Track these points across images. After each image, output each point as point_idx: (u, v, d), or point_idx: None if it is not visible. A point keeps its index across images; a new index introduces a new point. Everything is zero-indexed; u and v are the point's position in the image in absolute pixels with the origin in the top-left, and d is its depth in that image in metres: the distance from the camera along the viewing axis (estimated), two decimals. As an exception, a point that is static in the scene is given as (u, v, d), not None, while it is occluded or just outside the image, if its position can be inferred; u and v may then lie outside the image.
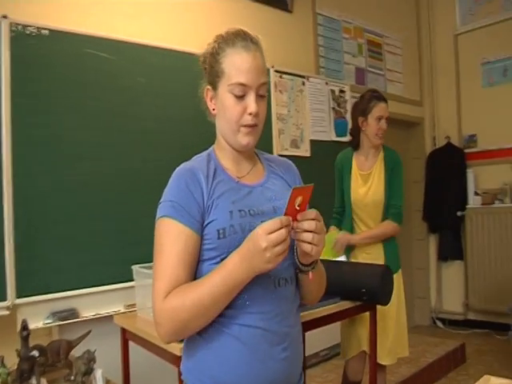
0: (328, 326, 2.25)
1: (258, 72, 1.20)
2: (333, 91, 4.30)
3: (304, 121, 4.04)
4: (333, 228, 2.90)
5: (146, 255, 2.73)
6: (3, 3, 2.50)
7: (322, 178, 2.79)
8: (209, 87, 1.26)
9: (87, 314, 2.65)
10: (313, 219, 1.10)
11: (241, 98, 1.20)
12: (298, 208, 1.08)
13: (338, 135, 4.32)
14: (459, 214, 5.21)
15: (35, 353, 1.61)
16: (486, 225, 5.04)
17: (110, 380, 1.81)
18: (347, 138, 4.39)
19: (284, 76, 3.87)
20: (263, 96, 1.23)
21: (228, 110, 1.21)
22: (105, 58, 2.78)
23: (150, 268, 2.21)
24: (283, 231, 1.05)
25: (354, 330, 2.72)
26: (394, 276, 2.52)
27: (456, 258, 5.33)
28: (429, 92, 5.61)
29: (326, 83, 4.25)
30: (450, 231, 5.32)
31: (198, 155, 1.32)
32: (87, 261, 2.63)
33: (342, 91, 4.38)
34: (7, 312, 2.36)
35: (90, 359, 1.59)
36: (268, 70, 3.71)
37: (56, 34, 2.60)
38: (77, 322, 2.58)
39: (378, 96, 2.78)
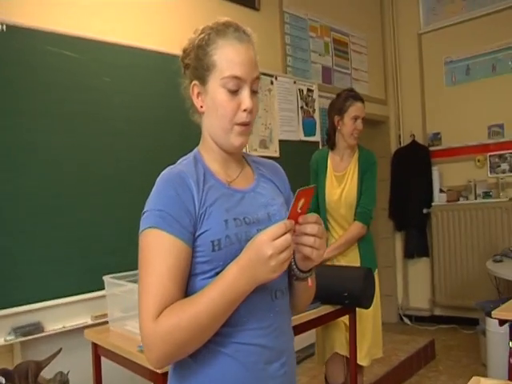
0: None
1: (251, 65, 1.11)
2: (301, 90, 4.25)
3: (273, 120, 3.98)
4: None
5: (114, 264, 2.66)
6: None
7: (292, 178, 2.71)
8: (196, 82, 1.14)
9: (53, 327, 2.50)
10: (314, 223, 1.03)
11: (234, 93, 1.09)
12: (299, 211, 1.02)
13: (306, 135, 4.28)
14: (425, 211, 5.27)
15: (0, 379, 1.47)
16: (452, 221, 5.11)
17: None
18: (315, 138, 4.39)
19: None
20: (256, 92, 1.14)
21: (221, 107, 1.10)
22: (68, 57, 2.63)
23: (122, 278, 2.13)
24: (288, 236, 0.97)
25: (328, 333, 2.68)
26: (371, 277, 2.49)
27: (422, 255, 5.39)
28: (393, 91, 5.64)
29: (294, 82, 4.20)
30: (416, 228, 5.37)
31: (184, 158, 1.19)
32: (51, 271, 2.48)
33: (309, 90, 4.34)
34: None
35: (63, 382, 1.46)
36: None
37: (13, 30, 2.42)
38: (41, 336, 2.43)
39: (354, 95, 2.74)
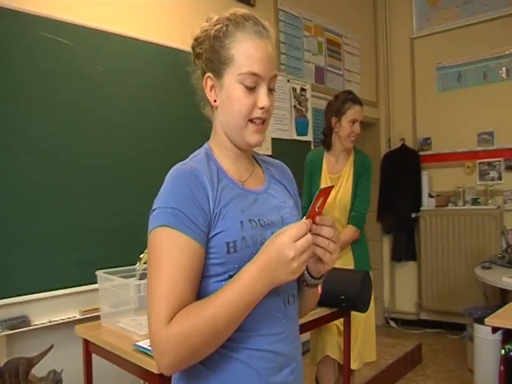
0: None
1: (270, 62, 1.06)
2: (294, 89, 4.23)
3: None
4: None
5: (103, 257, 2.61)
6: None
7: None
8: (210, 75, 1.09)
9: (40, 321, 2.44)
10: (330, 226, 1.00)
11: (251, 89, 1.05)
12: (317, 210, 0.99)
13: (298, 134, 4.26)
14: (413, 215, 5.28)
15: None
16: (440, 226, 5.12)
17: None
18: (307, 138, 4.38)
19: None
20: (272, 90, 1.10)
21: (236, 103, 1.05)
22: (63, 44, 2.57)
23: (115, 274, 2.08)
24: (310, 237, 0.94)
25: (321, 336, 2.66)
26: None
27: (410, 258, 5.40)
28: (385, 93, 5.65)
29: (288, 81, 4.18)
30: (404, 232, 5.38)
31: (195, 154, 1.14)
32: (39, 263, 2.42)
33: (303, 89, 4.32)
34: None
35: (56, 381, 1.40)
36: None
37: (5, 13, 2.35)
38: (28, 330, 2.37)
39: (353, 98, 2.71)
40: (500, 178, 4.88)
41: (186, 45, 3.53)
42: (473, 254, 4.87)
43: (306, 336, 3.04)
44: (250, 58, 1.04)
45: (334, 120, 2.71)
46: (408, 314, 5.44)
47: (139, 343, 1.68)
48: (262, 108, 1.06)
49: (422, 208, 5.26)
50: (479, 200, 4.93)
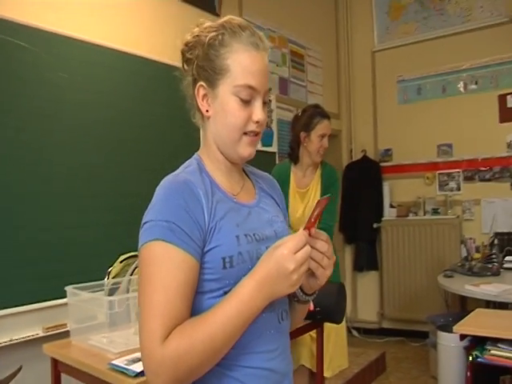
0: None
1: (265, 76, 1.05)
2: (259, 100, 4.22)
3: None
4: None
5: (66, 272, 2.51)
6: None
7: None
8: (202, 83, 1.06)
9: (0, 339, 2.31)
10: (325, 241, 0.99)
11: (247, 102, 1.03)
12: (312, 220, 0.97)
13: (263, 145, 4.25)
14: (375, 225, 5.36)
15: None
16: (401, 236, 5.21)
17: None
18: (272, 149, 4.38)
19: (213, 82, 3.72)
20: (266, 103, 1.08)
21: (231, 115, 1.03)
22: (23, 47, 2.46)
23: (85, 289, 2.00)
24: (308, 248, 0.93)
25: (294, 346, 2.64)
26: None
27: (371, 268, 5.47)
28: (346, 105, 5.73)
29: (254, 92, 4.17)
30: (366, 242, 5.45)
31: (186, 164, 1.10)
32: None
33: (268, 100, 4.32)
34: None
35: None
36: (197, 76, 3.56)
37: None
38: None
39: (321, 113, 2.72)
40: (459, 189, 5.02)
41: (152, 53, 3.49)
42: (433, 263, 4.97)
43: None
44: (247, 70, 1.02)
45: (302, 135, 2.70)
46: (370, 323, 5.50)
47: (115, 362, 1.62)
48: (257, 122, 1.04)
49: (383, 218, 5.34)
50: (439, 210, 5.06)
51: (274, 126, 4.38)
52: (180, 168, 1.09)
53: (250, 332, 0.97)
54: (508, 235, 4.61)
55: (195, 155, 1.13)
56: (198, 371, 0.91)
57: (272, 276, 0.91)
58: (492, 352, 2.44)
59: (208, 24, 1.08)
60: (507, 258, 4.20)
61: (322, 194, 2.72)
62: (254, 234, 1.03)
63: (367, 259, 5.46)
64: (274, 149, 4.35)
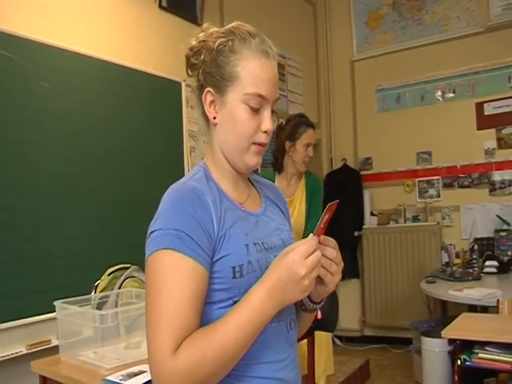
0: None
1: (275, 84, 1.04)
2: (242, 110, 4.22)
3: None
4: None
5: (50, 286, 2.45)
6: None
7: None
8: (210, 90, 1.04)
9: (-18, 358, 2.25)
10: (333, 248, 0.98)
11: (256, 111, 1.01)
12: (322, 226, 0.97)
13: (245, 154, 4.24)
14: (356, 233, 5.38)
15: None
16: (382, 244, 5.25)
17: None
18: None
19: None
20: (274, 111, 1.07)
21: (241, 124, 1.01)
22: (5, 57, 2.42)
23: (74, 303, 1.95)
24: (319, 253, 0.93)
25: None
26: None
27: (353, 276, 5.48)
28: (326, 114, 5.77)
29: (236, 101, 4.16)
30: (347, 250, 5.45)
31: (193, 172, 1.07)
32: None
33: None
34: None
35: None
36: (180, 84, 3.55)
37: None
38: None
39: (306, 122, 2.73)
40: (438, 196, 5.08)
41: (135, 62, 3.45)
42: (414, 270, 5.02)
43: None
44: (257, 78, 1.01)
45: (287, 144, 2.70)
46: (352, 331, 5.50)
47: (109, 378, 1.57)
48: (266, 132, 1.03)
49: (364, 226, 5.37)
50: (419, 217, 5.11)
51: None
52: (186, 176, 1.07)
53: (260, 342, 0.95)
54: (487, 240, 4.69)
55: (201, 163, 1.11)
56: (209, 382, 0.89)
57: (283, 282, 0.91)
58: (480, 355, 2.46)
59: (215, 29, 1.07)
60: (487, 263, 4.26)
61: (307, 204, 2.72)
62: (262, 243, 1.03)
63: (348, 267, 5.46)
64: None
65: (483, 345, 2.48)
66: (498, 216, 4.65)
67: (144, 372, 1.59)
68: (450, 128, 4.97)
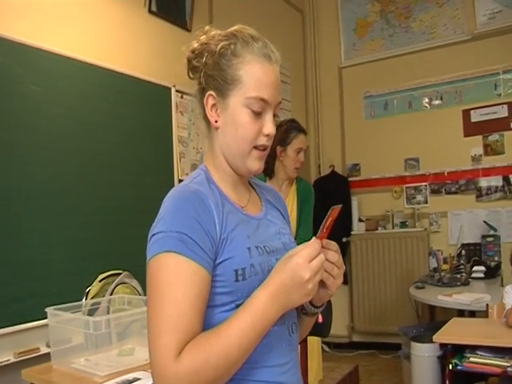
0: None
1: (277, 88, 1.04)
2: (231, 116, 4.21)
3: (204, 145, 3.89)
4: None
5: (39, 292, 2.41)
6: None
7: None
8: (212, 93, 1.04)
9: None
10: (335, 251, 0.99)
11: (258, 114, 1.02)
12: (324, 231, 0.97)
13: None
14: (344, 239, 5.39)
15: None
16: (370, 250, 5.26)
17: None
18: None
19: (185, 96, 3.70)
20: (276, 115, 1.07)
21: (242, 128, 1.02)
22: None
23: (68, 310, 1.92)
24: (323, 256, 0.93)
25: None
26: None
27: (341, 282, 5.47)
28: (314, 121, 5.79)
29: (226, 107, 4.16)
30: (336, 256, 5.46)
31: (194, 175, 1.07)
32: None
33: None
34: None
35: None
36: (169, 89, 3.54)
37: None
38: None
39: (297, 127, 2.72)
40: (426, 202, 5.12)
41: (123, 67, 3.42)
42: (402, 275, 5.04)
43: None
44: (260, 82, 1.01)
45: (279, 149, 2.69)
46: (340, 337, 5.49)
47: (104, 385, 1.55)
48: (267, 135, 1.04)
49: (352, 232, 5.38)
50: (407, 223, 5.14)
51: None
52: (188, 179, 1.06)
53: (262, 346, 0.95)
54: (474, 246, 4.74)
55: (202, 166, 1.11)
56: None
57: (287, 285, 0.91)
58: (471, 359, 2.48)
59: (217, 32, 1.07)
60: (475, 268, 4.31)
61: (298, 210, 2.71)
62: (264, 246, 1.03)
63: (337, 273, 5.48)
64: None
65: (474, 349, 2.50)
66: (484, 222, 4.70)
67: (139, 379, 1.57)
68: (437, 135, 5.01)
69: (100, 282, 2.21)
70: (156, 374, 0.86)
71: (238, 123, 1.02)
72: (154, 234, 0.94)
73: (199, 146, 3.84)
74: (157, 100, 3.41)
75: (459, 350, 2.55)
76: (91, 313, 2.04)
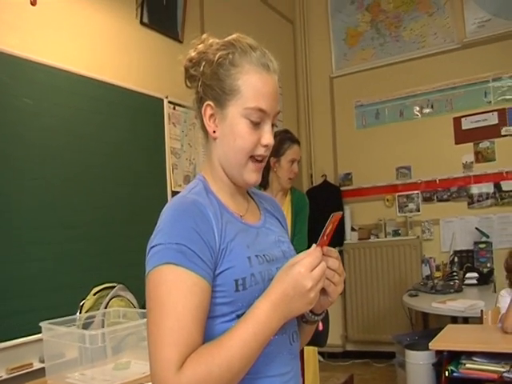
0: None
1: (276, 98, 1.03)
2: (224, 126, 4.22)
3: (197, 156, 3.89)
4: None
5: (32, 307, 2.38)
6: None
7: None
8: (210, 103, 1.03)
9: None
10: (336, 258, 0.98)
11: (256, 125, 1.01)
12: (325, 238, 0.96)
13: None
14: (337, 249, 5.33)
15: None
16: (363, 259, 5.27)
17: None
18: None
19: (177, 108, 3.70)
20: (274, 125, 1.06)
21: (240, 138, 1.01)
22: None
23: (62, 324, 1.90)
24: (324, 264, 0.92)
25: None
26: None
27: (334, 291, 5.47)
28: (306, 131, 5.81)
29: (218, 118, 4.16)
30: (329, 265, 5.46)
31: (192, 185, 1.06)
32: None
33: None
34: None
35: None
36: (162, 101, 3.54)
37: None
38: None
39: (291, 138, 2.73)
40: (418, 210, 5.15)
41: (115, 78, 3.41)
42: (395, 284, 5.05)
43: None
44: (258, 92, 1.00)
45: (272, 160, 2.70)
46: (334, 347, 5.47)
47: (101, 400, 1.53)
48: (266, 146, 1.03)
49: (345, 241, 5.38)
50: (399, 231, 5.16)
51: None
52: (186, 189, 1.05)
53: (264, 355, 0.94)
54: (467, 253, 4.76)
55: (199, 176, 1.10)
56: None
57: (288, 295, 0.90)
58: (468, 366, 2.49)
59: (214, 40, 1.06)
60: (468, 275, 4.33)
61: (293, 220, 2.71)
62: (264, 255, 1.02)
63: (330, 282, 5.47)
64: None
65: (470, 355, 2.51)
66: (476, 228, 4.73)
67: (136, 393, 1.55)
68: (428, 143, 5.05)
69: (94, 295, 2.19)
70: None
71: (237, 133, 1.01)
72: (152, 247, 0.93)
73: (192, 157, 3.83)
74: (149, 111, 3.40)
75: (455, 357, 2.56)
76: (86, 326, 2.02)
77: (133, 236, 2.92)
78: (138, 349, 1.87)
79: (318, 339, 2.16)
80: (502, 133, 4.77)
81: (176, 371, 0.84)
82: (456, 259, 4.67)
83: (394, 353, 4.32)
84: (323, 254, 0.95)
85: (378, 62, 5.37)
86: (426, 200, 5.11)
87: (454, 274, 4.37)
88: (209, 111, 1.03)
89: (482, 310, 2.98)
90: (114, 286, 2.25)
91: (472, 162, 4.89)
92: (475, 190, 4.88)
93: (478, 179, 4.87)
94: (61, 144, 2.72)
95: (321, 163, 5.70)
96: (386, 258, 5.15)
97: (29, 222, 2.50)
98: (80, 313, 2.15)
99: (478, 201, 4.86)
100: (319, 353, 5.38)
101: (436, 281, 4.32)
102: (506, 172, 4.75)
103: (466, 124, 4.90)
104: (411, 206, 5.17)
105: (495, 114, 4.78)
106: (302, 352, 2.27)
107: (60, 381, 1.76)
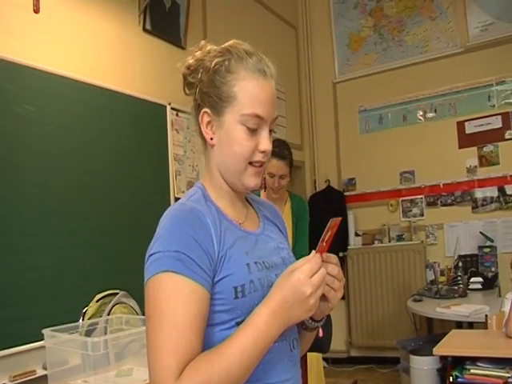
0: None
1: (273, 104, 1.03)
2: (227, 132, 4.22)
3: (200, 162, 3.89)
4: None
5: (34, 314, 2.38)
6: None
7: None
8: (207, 110, 1.03)
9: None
10: (335, 264, 0.98)
11: (253, 131, 1.01)
12: (324, 244, 0.96)
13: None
14: (341, 254, 5.37)
15: None
16: (367, 264, 5.25)
17: None
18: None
19: (180, 114, 3.71)
20: (272, 131, 1.06)
21: (237, 145, 1.00)
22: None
23: (65, 331, 1.90)
24: (324, 270, 0.92)
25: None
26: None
27: (339, 297, 5.45)
28: (309, 136, 5.81)
29: (220, 123, 4.17)
30: (333, 271, 5.44)
31: (191, 193, 1.06)
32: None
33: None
34: None
35: None
36: (165, 107, 3.54)
37: None
38: None
39: (273, 152, 2.68)
40: (422, 214, 5.13)
41: (120, 85, 3.42)
42: (399, 289, 5.03)
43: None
44: (255, 99, 1.00)
45: None
46: (338, 353, 5.45)
47: (103, 407, 1.53)
48: (263, 152, 1.03)
49: (348, 247, 5.37)
50: (403, 236, 5.15)
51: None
52: (184, 197, 1.05)
53: (264, 362, 0.94)
54: (471, 257, 4.74)
55: (198, 183, 1.10)
56: None
57: (288, 302, 0.90)
58: (472, 371, 2.47)
59: (212, 47, 1.06)
60: (472, 280, 4.31)
61: (294, 226, 2.70)
62: (263, 262, 1.01)
63: (334, 288, 5.45)
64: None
65: (474, 361, 2.49)
66: (481, 233, 4.71)
67: (138, 400, 1.55)
68: (432, 147, 5.04)
69: (97, 302, 2.19)
70: None
71: (234, 140, 1.01)
72: (151, 254, 0.93)
73: (195, 163, 3.84)
74: (152, 118, 3.41)
75: (459, 362, 2.54)
76: (88, 333, 2.02)
77: (135, 243, 2.92)
78: (141, 355, 1.87)
79: (320, 345, 2.16)
80: (506, 136, 4.76)
81: (175, 379, 0.84)
82: (460, 264, 4.65)
83: (399, 358, 4.30)
84: (323, 260, 0.95)
85: (381, 66, 5.37)
86: (430, 204, 5.09)
87: (459, 278, 4.36)
88: (206, 118, 1.03)
89: (486, 315, 2.96)
90: (117, 293, 2.26)
91: (476, 166, 4.88)
92: (479, 194, 4.87)
93: (482, 183, 4.85)
94: (62, 151, 2.73)
95: (324, 168, 5.70)
96: (389, 262, 5.13)
97: (30, 229, 2.50)
98: (83, 320, 2.15)
99: (482, 205, 4.85)
100: (323, 358, 5.38)
101: (440, 286, 4.30)
102: (510, 176, 4.73)
103: (470, 128, 4.88)
104: (415, 210, 5.16)
105: (499, 117, 4.77)
106: (304, 359, 2.27)
107: (63, 388, 1.77)
